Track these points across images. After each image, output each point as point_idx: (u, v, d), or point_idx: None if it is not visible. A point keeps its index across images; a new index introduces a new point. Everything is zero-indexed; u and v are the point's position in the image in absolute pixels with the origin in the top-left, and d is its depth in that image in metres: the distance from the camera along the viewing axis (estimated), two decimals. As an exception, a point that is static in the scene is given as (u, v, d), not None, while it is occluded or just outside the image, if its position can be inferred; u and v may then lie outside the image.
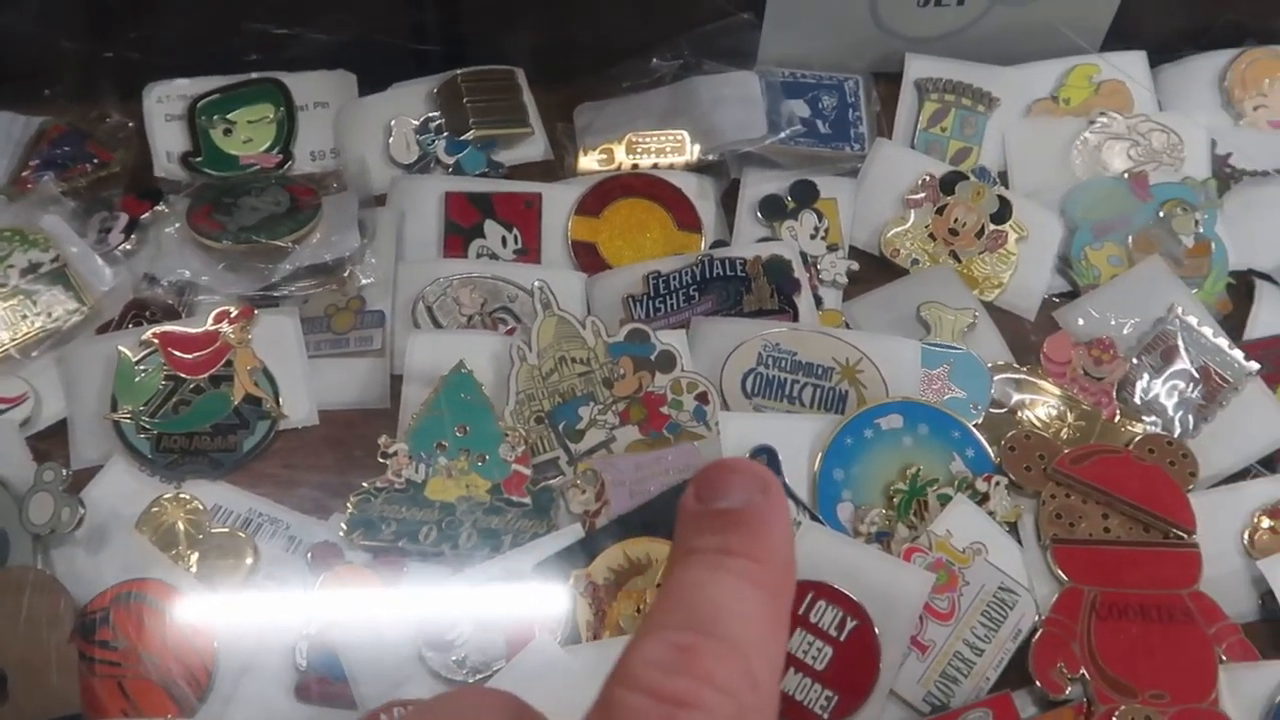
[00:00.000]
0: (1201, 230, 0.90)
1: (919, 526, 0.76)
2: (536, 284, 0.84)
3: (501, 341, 0.82)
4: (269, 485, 0.79)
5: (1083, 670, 0.72)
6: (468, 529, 0.76)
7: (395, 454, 0.77)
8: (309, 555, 0.75)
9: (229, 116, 0.95)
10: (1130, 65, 0.99)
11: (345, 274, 0.85)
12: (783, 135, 0.93)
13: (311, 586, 0.73)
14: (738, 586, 0.36)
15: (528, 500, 0.77)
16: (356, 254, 0.85)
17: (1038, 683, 0.71)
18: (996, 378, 0.84)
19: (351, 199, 0.88)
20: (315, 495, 0.80)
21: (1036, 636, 0.73)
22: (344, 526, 0.76)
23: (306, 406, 0.82)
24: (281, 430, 0.81)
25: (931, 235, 0.91)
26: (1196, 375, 0.84)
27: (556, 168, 0.96)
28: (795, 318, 0.86)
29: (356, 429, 0.82)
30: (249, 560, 0.75)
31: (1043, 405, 0.83)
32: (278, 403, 0.81)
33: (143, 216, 0.87)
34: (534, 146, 0.96)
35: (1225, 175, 0.95)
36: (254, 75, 0.96)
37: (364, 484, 0.77)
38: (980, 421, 0.82)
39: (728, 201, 0.94)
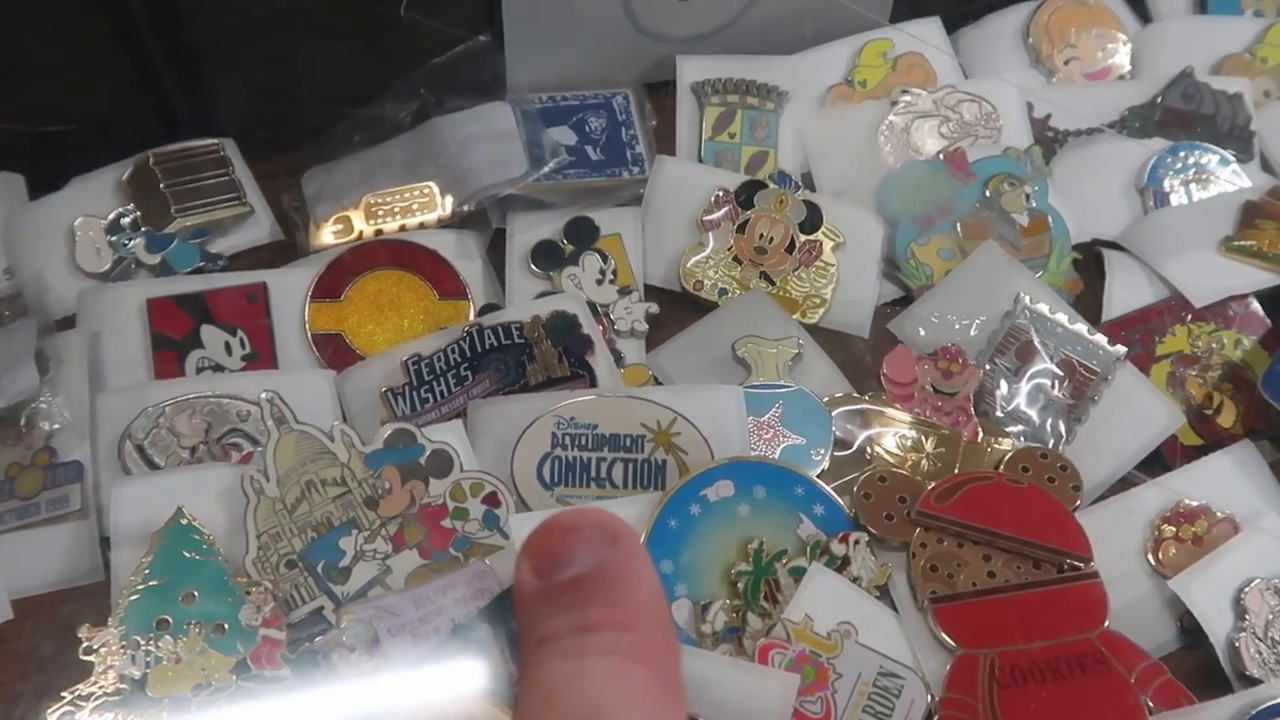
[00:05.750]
0: (1034, 204, 0.79)
1: (773, 613, 0.62)
2: (264, 396, 0.67)
3: (233, 474, 0.66)
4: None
5: (994, 758, 0.59)
6: (209, 726, 0.59)
7: (103, 647, 0.60)
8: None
9: None
10: (926, 34, 0.88)
11: (22, 423, 0.68)
12: (547, 169, 0.79)
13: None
14: (609, 667, 0.32)
15: (286, 673, 0.61)
16: (35, 395, 0.68)
17: (944, 784, 0.58)
18: (836, 413, 0.71)
19: (24, 328, 0.71)
20: (21, 714, 0.62)
21: (933, 726, 0.59)
22: (42, 756, 0.58)
23: (-5, 598, 0.64)
24: (-37, 636, 0.63)
25: (736, 258, 0.78)
26: (1059, 371, 0.72)
27: (289, 249, 0.80)
28: (593, 382, 0.72)
29: (62, 616, 0.65)
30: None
31: (894, 436, 0.70)
32: (-49, 602, 0.63)
33: None
34: (258, 228, 0.80)
35: (1049, 139, 0.85)
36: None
37: (64, 693, 0.59)
38: (825, 469, 0.69)
39: (497, 257, 0.79)
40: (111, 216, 0.78)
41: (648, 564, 0.35)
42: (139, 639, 0.61)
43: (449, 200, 0.79)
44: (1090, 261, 0.80)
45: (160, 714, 0.59)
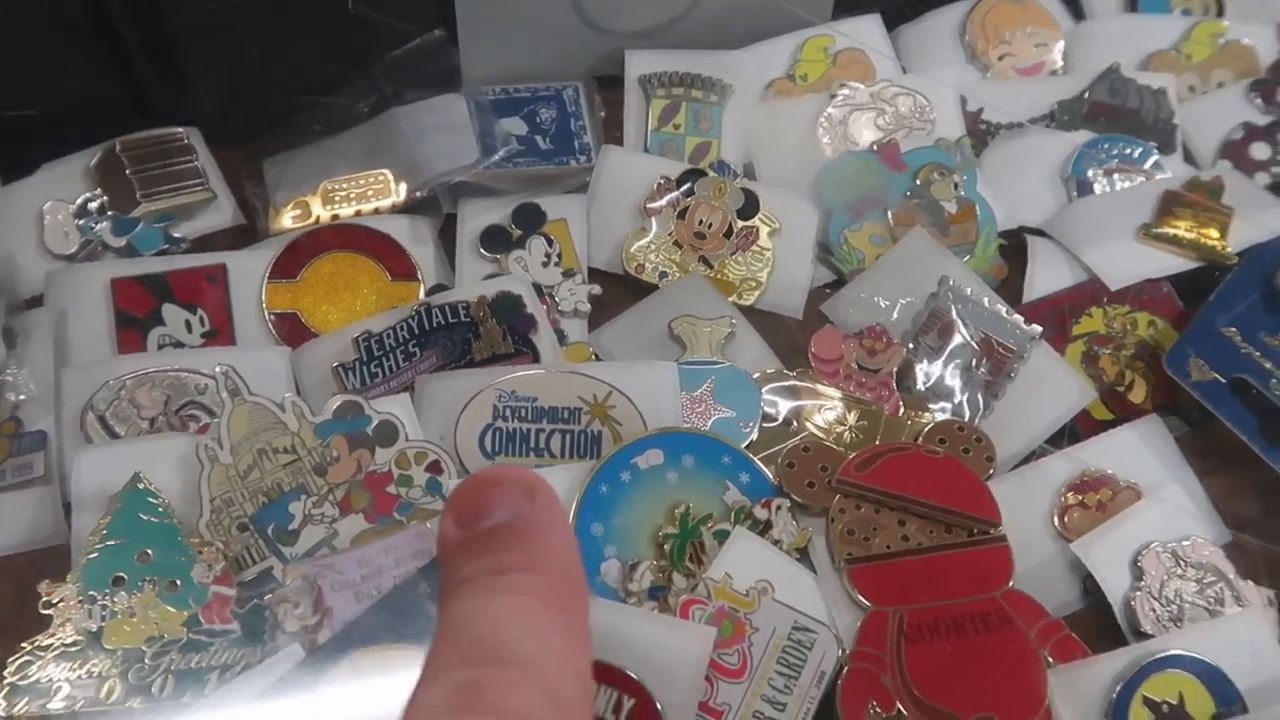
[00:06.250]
0: (963, 193, 0.83)
1: (697, 573, 0.66)
2: (218, 369, 0.71)
3: (189, 443, 0.69)
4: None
5: (898, 706, 0.62)
6: (161, 675, 0.63)
7: (61, 601, 0.64)
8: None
9: None
10: (864, 31, 0.92)
11: (-10, 394, 0.71)
12: (497, 158, 0.82)
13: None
14: (518, 603, 0.33)
15: (234, 626, 0.64)
16: (3, 368, 0.72)
17: (850, 731, 0.61)
18: (765, 389, 0.74)
19: (-8, 307, 0.74)
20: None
21: (842, 676, 0.63)
22: (1, 701, 0.61)
23: (-41, 560, 0.68)
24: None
25: (677, 243, 0.81)
26: (978, 350, 0.76)
27: (250, 234, 0.83)
28: (536, 359, 0.76)
29: (27, 577, 0.68)
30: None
31: (819, 410, 0.74)
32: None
33: None
34: (219, 213, 0.84)
35: (981, 132, 0.88)
36: None
37: (24, 645, 0.63)
38: (755, 439, 0.73)
39: (449, 241, 0.83)
40: (80, 201, 0.81)
41: (562, 518, 0.37)
42: (95, 594, 0.64)
43: (403, 187, 0.83)
44: (1017, 248, 0.84)
45: (114, 664, 0.63)
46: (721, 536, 0.67)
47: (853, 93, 0.88)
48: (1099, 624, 0.68)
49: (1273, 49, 0.93)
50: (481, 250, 0.81)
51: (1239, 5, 0.96)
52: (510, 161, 0.83)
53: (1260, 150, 0.88)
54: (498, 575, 0.34)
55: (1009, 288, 0.81)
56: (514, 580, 0.34)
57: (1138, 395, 0.76)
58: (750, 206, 0.82)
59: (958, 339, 0.76)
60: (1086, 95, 0.89)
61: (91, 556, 0.65)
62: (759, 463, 0.71)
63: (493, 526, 0.35)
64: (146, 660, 0.63)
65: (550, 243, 0.81)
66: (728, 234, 0.81)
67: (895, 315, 0.78)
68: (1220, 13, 0.96)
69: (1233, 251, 0.79)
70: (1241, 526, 0.72)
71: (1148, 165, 0.86)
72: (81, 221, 0.81)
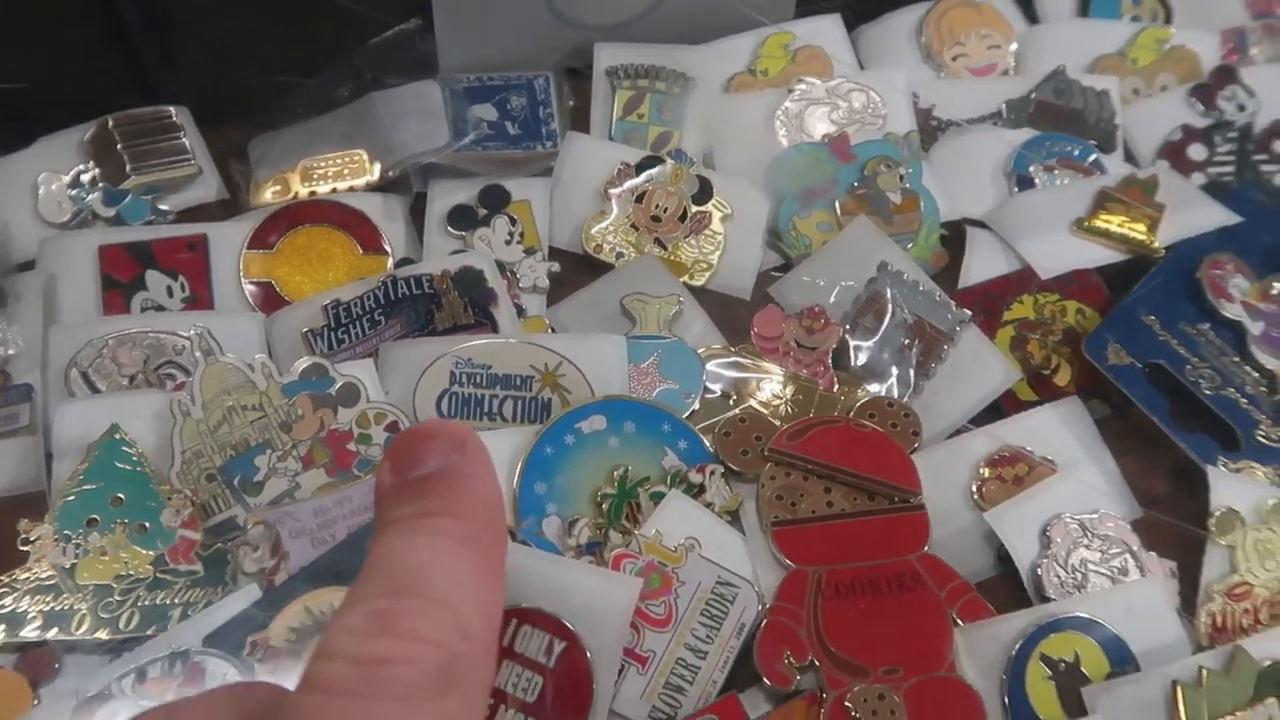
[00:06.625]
0: (908, 185, 0.87)
1: (633, 531, 0.70)
2: (194, 330, 0.76)
3: (165, 399, 0.74)
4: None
5: (811, 657, 0.66)
6: (128, 609, 0.67)
7: (38, 539, 0.69)
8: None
9: None
10: (824, 29, 0.96)
11: (-20, 349, 0.76)
12: (466, 141, 0.87)
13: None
14: (438, 545, 0.36)
15: (198, 567, 0.69)
16: (-6, 325, 0.77)
17: (764, 677, 0.66)
18: (711, 363, 0.79)
19: (-13, 268, 0.79)
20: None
21: (760, 628, 0.67)
22: (-22, 628, 0.66)
23: (-55, 502, 0.73)
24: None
25: (634, 225, 0.86)
26: (912, 331, 0.80)
27: (233, 207, 0.88)
28: (495, 331, 0.80)
29: (7, 519, 0.73)
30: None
31: (759, 385, 0.78)
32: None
33: None
34: (204, 188, 0.89)
35: (932, 128, 0.93)
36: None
37: (2, 577, 0.68)
38: (697, 409, 0.77)
39: (420, 219, 0.87)
40: (73, 173, 0.86)
41: (489, 470, 0.39)
42: (70, 534, 0.69)
43: (377, 167, 0.87)
44: (959, 238, 0.88)
45: (85, 599, 0.68)
46: (657, 498, 0.72)
47: (809, 88, 0.92)
48: (1010, 590, 0.72)
49: (1216, 55, 0.97)
50: (449, 228, 0.85)
51: (1186, 13, 1.00)
52: (480, 145, 0.88)
53: (1197, 151, 0.92)
54: (422, 519, 0.37)
55: (949, 275, 0.85)
56: (436, 524, 0.37)
57: (1063, 379, 0.80)
58: (704, 193, 0.86)
59: (892, 321, 0.80)
60: (1033, 95, 0.93)
61: (69, 499, 0.70)
62: (698, 431, 0.75)
63: (424, 475, 0.38)
64: (115, 596, 0.68)
65: (514, 222, 0.85)
66: (683, 218, 0.86)
67: (836, 298, 0.82)
68: (1168, 19, 1.00)
69: (1160, 246, 0.84)
70: (1152, 504, 0.76)
71: (1087, 163, 0.90)
72: (74, 192, 0.86)
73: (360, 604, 0.34)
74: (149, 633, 0.67)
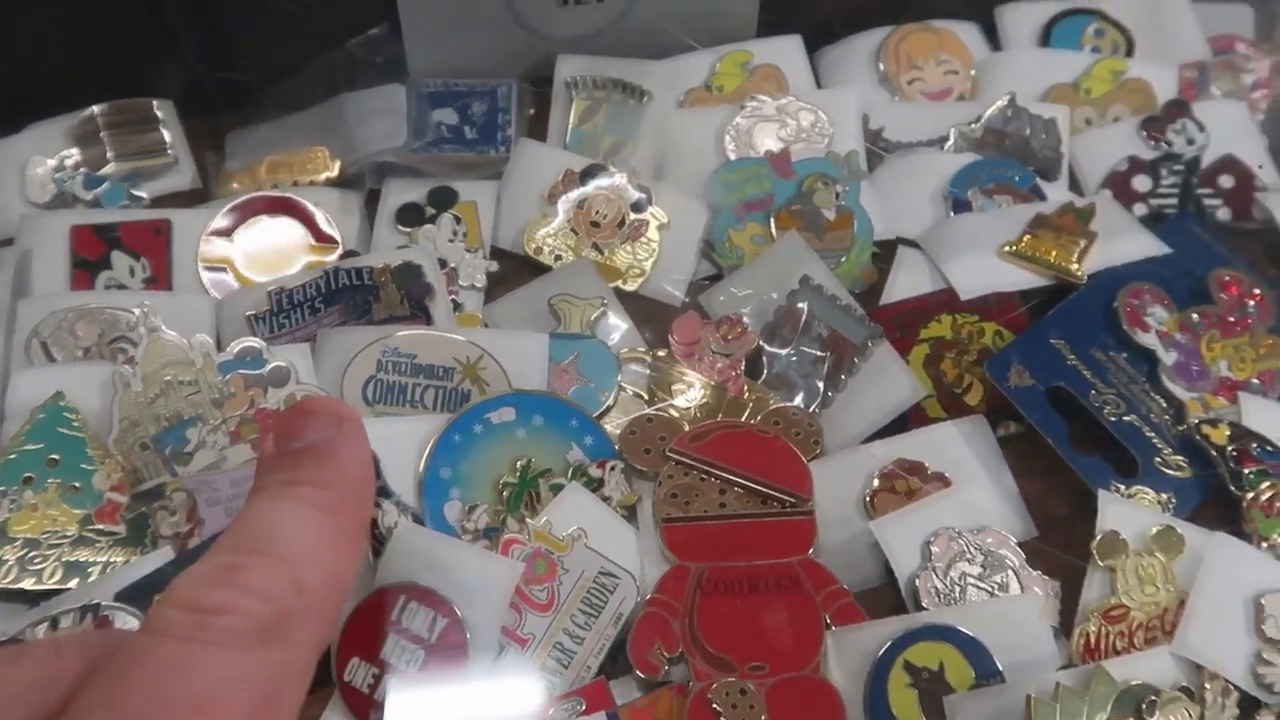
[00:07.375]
0: (843, 203, 0.89)
1: (529, 519, 0.74)
2: (141, 308, 0.81)
3: (113, 371, 0.79)
4: None
5: (682, 649, 0.69)
6: (52, 563, 0.73)
7: (-23, 492, 0.74)
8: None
9: None
10: (784, 49, 0.99)
11: (-50, 320, 0.82)
12: (423, 142, 0.91)
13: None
14: (295, 509, 0.39)
15: (120, 529, 0.74)
16: (-37, 297, 0.83)
17: (634, 666, 0.69)
18: (629, 364, 0.82)
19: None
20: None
21: (636, 619, 0.70)
22: (-87, 571, 0.72)
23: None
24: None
25: (574, 230, 0.89)
26: (825, 343, 0.82)
27: (205, 197, 0.94)
28: (429, 323, 0.84)
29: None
30: None
31: (672, 387, 0.81)
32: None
33: None
34: (179, 177, 0.94)
35: (880, 149, 0.95)
36: None
37: (-61, 526, 0.73)
38: (611, 408, 0.81)
39: (375, 215, 0.92)
40: (58, 158, 0.93)
41: (363, 447, 0.42)
42: (6, 489, 0.74)
43: (338, 164, 0.92)
44: (892, 257, 0.90)
45: (14, 550, 0.73)
46: (557, 489, 0.75)
47: (760, 105, 0.95)
48: (892, 600, 0.74)
49: (1173, 88, 0.98)
50: (398, 224, 0.90)
51: (1148, 46, 1.01)
52: (436, 147, 0.93)
53: (1142, 183, 0.93)
54: (289, 486, 0.40)
55: (875, 292, 0.88)
56: (300, 491, 0.40)
57: (974, 398, 0.82)
58: (643, 202, 0.89)
59: (808, 333, 0.82)
60: (981, 121, 0.95)
61: (10, 457, 0.75)
62: (605, 428, 0.78)
63: (300, 447, 0.41)
64: (42, 550, 0.73)
65: (459, 221, 0.89)
66: (621, 225, 0.89)
67: (760, 309, 0.85)
68: (1129, 52, 1.01)
69: (1083, 273, 0.85)
70: (1050, 525, 0.77)
71: (1027, 190, 0.91)
72: (58, 175, 0.92)
73: (213, 556, 0.37)
74: (69, 586, 0.72)
